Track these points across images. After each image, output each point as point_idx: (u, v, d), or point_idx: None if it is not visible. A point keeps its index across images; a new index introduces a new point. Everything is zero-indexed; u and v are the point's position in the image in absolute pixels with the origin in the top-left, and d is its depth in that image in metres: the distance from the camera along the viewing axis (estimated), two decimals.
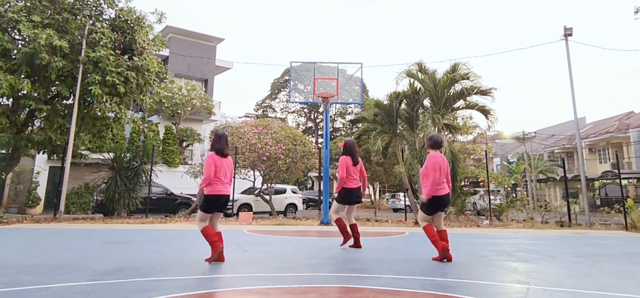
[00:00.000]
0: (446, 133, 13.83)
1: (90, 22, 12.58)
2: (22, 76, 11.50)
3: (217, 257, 4.80)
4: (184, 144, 24.89)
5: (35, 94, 11.85)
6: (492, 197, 16.01)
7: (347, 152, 6.17)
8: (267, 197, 16.76)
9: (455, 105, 13.86)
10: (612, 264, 5.35)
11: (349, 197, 6.09)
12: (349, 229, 6.28)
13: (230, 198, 5.21)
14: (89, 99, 12.91)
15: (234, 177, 14.91)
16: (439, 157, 5.17)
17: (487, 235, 9.58)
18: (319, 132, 38.22)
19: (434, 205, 5.16)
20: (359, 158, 6.28)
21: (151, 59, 13.13)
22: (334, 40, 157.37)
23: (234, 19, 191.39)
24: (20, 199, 18.53)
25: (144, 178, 14.43)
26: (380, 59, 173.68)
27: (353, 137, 21.62)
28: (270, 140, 15.49)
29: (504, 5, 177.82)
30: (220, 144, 4.95)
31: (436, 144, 5.27)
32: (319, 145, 30.10)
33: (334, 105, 34.47)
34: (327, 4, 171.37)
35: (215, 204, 4.86)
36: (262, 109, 41.61)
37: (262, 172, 16.25)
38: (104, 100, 12.25)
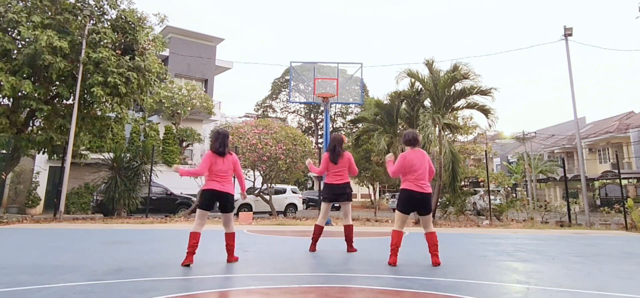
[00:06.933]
0: (446, 133, 13.83)
1: (92, 22, 12.58)
2: (23, 77, 11.50)
3: (187, 262, 4.69)
4: (184, 144, 24.90)
5: (36, 94, 11.86)
6: (492, 197, 16.01)
7: (327, 148, 6.04)
8: (267, 197, 16.76)
9: (456, 105, 13.87)
10: (612, 264, 5.34)
11: (326, 192, 5.93)
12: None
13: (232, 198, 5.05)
14: (89, 99, 12.92)
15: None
16: (409, 153, 4.98)
17: (487, 235, 9.58)
18: (319, 132, 38.21)
19: (403, 200, 4.93)
20: (343, 153, 5.87)
21: (153, 59, 13.16)
22: (334, 40, 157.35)
23: (234, 19, 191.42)
24: (20, 199, 18.52)
25: (144, 178, 14.42)
26: (380, 59, 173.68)
27: (353, 137, 21.60)
28: (270, 140, 15.48)
29: (504, 5, 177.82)
30: (215, 143, 4.97)
31: (407, 142, 5.11)
32: (319, 145, 30.10)
33: (334, 105, 34.47)
34: (327, 4, 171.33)
35: (206, 199, 4.86)
36: (262, 109, 41.59)
37: (262, 172, 16.25)
38: (105, 100, 12.26)
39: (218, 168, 4.87)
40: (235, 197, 5.16)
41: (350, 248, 5.97)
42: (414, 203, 4.90)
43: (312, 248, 5.93)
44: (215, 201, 4.89)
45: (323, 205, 5.98)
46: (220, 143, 4.95)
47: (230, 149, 5.08)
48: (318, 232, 5.92)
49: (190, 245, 4.72)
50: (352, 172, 6.05)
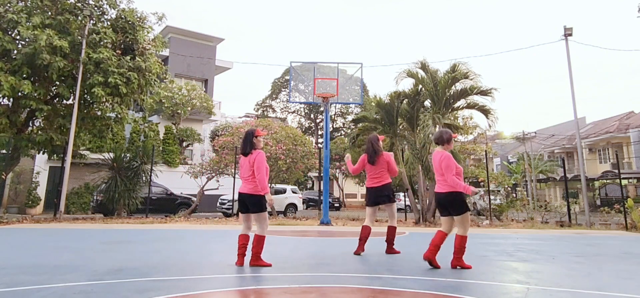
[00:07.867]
0: None
1: (92, 22, 12.58)
2: (23, 77, 11.50)
3: (239, 262, 4.76)
4: (184, 144, 24.90)
5: (36, 94, 11.86)
6: (492, 197, 16.01)
7: (365, 149, 5.96)
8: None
9: (456, 105, 13.86)
10: (612, 264, 5.34)
11: (368, 196, 5.88)
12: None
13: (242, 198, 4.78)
14: (89, 99, 12.92)
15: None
16: (435, 153, 4.97)
17: (487, 235, 9.58)
18: (319, 132, 38.19)
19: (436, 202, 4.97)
20: (381, 154, 5.74)
21: (154, 60, 13.17)
22: (334, 40, 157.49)
23: (234, 19, 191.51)
24: (20, 199, 18.52)
25: (144, 178, 14.43)
26: (380, 59, 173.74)
27: (352, 136, 21.53)
28: (270, 140, 15.49)
29: (504, 5, 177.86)
30: (241, 145, 4.95)
31: (435, 141, 5.11)
32: (319, 145, 30.09)
33: (334, 105, 34.47)
34: (327, 4, 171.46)
35: (238, 203, 4.90)
36: (262, 109, 41.59)
37: None
38: (105, 100, 12.26)
39: (240, 170, 4.89)
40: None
41: (390, 250, 5.89)
42: (438, 203, 4.89)
43: (359, 250, 5.62)
44: (241, 202, 4.83)
45: (367, 209, 5.90)
46: (242, 142, 4.89)
47: (256, 146, 4.81)
48: (365, 232, 5.70)
49: (238, 247, 4.75)
50: (392, 172, 5.82)
